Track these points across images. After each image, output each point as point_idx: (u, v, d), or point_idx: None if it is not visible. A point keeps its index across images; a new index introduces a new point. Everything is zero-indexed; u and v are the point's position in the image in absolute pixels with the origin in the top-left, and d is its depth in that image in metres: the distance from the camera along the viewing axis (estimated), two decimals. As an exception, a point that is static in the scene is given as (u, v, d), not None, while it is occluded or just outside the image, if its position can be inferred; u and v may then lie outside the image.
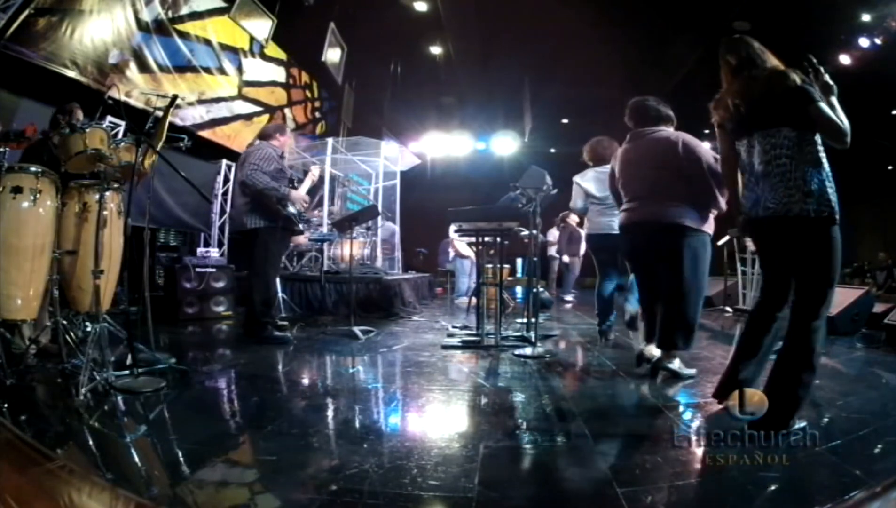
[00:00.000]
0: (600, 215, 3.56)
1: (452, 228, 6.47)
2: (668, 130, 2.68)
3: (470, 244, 5.46)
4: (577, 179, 3.73)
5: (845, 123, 1.72)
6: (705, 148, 2.58)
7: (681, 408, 2.17)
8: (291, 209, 3.61)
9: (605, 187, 3.42)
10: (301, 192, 3.72)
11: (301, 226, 3.68)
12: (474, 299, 5.02)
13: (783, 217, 1.76)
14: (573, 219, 7.66)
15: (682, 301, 2.52)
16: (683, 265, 2.51)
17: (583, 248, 7.77)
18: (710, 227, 2.60)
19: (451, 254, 7.38)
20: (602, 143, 3.68)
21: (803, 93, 1.74)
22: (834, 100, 1.75)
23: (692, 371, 2.58)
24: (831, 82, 1.77)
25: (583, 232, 7.68)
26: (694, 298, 2.54)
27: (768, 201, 1.80)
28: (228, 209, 6.61)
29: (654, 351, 2.69)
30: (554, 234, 8.01)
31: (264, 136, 3.83)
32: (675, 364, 2.55)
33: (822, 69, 1.78)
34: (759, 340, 1.91)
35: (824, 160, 1.75)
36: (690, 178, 2.52)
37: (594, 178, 3.61)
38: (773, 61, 1.90)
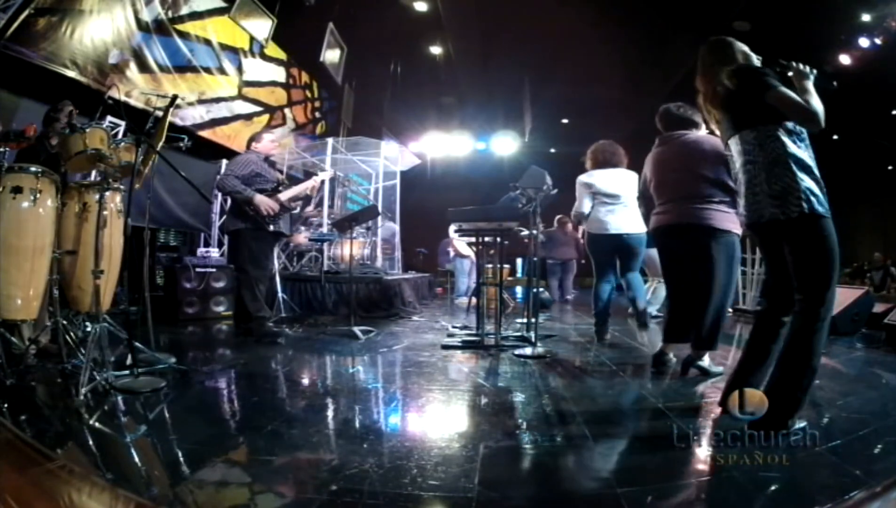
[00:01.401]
0: (605, 215, 3.57)
1: (452, 228, 6.47)
2: (698, 133, 2.70)
3: (470, 244, 5.47)
4: (582, 178, 3.71)
5: (814, 105, 1.65)
6: None
7: (681, 408, 2.16)
8: (261, 213, 3.65)
9: (615, 184, 3.53)
10: (280, 195, 3.76)
11: (273, 227, 3.74)
12: (474, 300, 5.02)
13: (757, 224, 1.78)
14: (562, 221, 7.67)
15: (715, 303, 2.56)
16: (716, 268, 2.54)
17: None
18: (739, 228, 2.60)
19: (452, 254, 7.38)
20: (603, 146, 3.71)
21: (755, 84, 1.70)
22: (809, 84, 1.69)
23: (720, 369, 2.59)
24: (804, 69, 1.71)
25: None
26: (724, 299, 2.59)
27: (743, 207, 1.84)
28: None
29: (671, 353, 2.74)
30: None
31: (247, 144, 4.03)
32: (706, 362, 2.60)
33: (794, 63, 1.73)
34: (767, 346, 1.87)
35: (794, 155, 1.69)
36: (721, 178, 2.55)
37: (605, 176, 3.62)
38: (740, 60, 1.87)
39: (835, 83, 1.76)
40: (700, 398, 2.25)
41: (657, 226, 2.77)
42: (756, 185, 1.75)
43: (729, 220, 2.54)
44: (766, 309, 1.93)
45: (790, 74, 1.75)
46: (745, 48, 1.91)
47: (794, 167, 1.68)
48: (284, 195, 3.80)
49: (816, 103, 1.66)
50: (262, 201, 3.63)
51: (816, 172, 1.71)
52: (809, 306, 1.69)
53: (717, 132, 2.05)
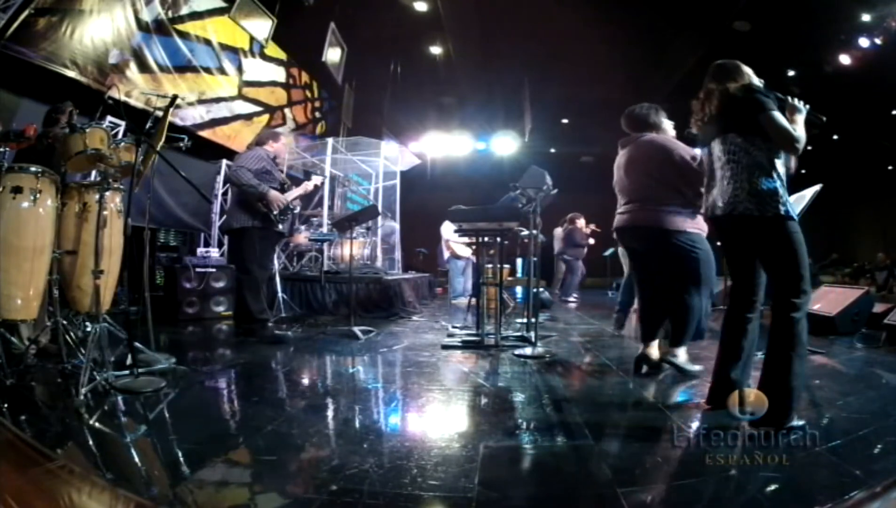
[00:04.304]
0: None
1: (450, 228, 6.46)
2: (651, 135, 2.75)
3: (469, 244, 5.46)
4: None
5: (797, 134, 1.83)
6: (678, 146, 2.66)
7: (681, 408, 2.17)
8: (274, 210, 3.63)
9: None
10: (286, 195, 3.75)
11: (281, 227, 3.75)
12: (473, 300, 5.02)
13: (729, 215, 1.90)
14: (581, 222, 7.67)
15: (677, 299, 2.58)
16: (675, 266, 2.59)
17: (585, 250, 7.80)
18: (697, 225, 2.62)
19: (447, 255, 7.26)
20: None
21: (753, 103, 1.86)
22: (799, 118, 1.89)
23: (699, 368, 2.58)
24: (798, 105, 1.90)
25: (588, 232, 7.73)
26: (687, 295, 2.57)
27: (719, 200, 1.96)
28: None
29: (654, 353, 2.72)
30: (557, 232, 7.99)
31: (259, 142, 4.00)
32: (680, 359, 2.59)
33: (789, 98, 1.91)
34: (738, 343, 1.97)
35: (776, 166, 1.87)
36: (668, 179, 2.61)
37: None
38: (744, 80, 2.01)
39: (823, 118, 1.99)
40: (700, 397, 2.25)
41: (616, 226, 2.86)
42: (737, 182, 1.89)
43: (681, 220, 2.58)
44: (731, 308, 2.03)
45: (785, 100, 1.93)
46: (751, 72, 2.07)
47: (775, 175, 1.86)
48: (289, 196, 3.79)
49: (800, 133, 1.86)
50: (275, 197, 3.60)
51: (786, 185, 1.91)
52: (785, 296, 1.78)
53: (698, 132, 2.15)
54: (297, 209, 4.26)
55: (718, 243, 2.19)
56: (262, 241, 3.70)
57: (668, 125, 2.80)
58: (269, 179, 3.68)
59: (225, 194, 6.73)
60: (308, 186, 4.22)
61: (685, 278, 2.58)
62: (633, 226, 2.72)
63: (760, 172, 1.85)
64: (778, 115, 1.83)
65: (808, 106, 1.91)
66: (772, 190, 1.82)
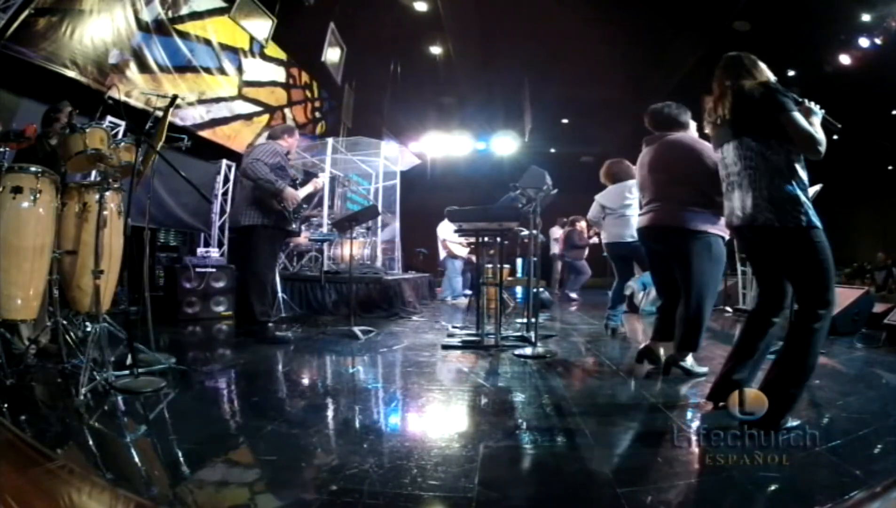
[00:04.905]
0: (613, 226, 3.94)
1: (442, 227, 6.45)
2: (678, 134, 2.72)
3: (468, 244, 5.46)
4: (597, 197, 4.13)
5: (819, 135, 1.77)
6: (706, 148, 2.60)
7: (681, 408, 2.16)
8: (289, 207, 3.60)
9: (617, 200, 3.94)
10: (298, 193, 3.71)
11: (295, 226, 3.70)
12: (462, 299, 5.03)
13: (750, 226, 1.84)
14: (582, 223, 7.69)
15: (692, 304, 2.55)
16: (690, 268, 2.55)
17: (586, 251, 7.82)
18: (718, 228, 2.57)
19: (443, 254, 7.22)
20: (616, 164, 4.05)
21: (773, 103, 1.79)
22: (815, 120, 1.81)
23: (704, 370, 2.59)
24: (813, 107, 1.82)
25: (588, 235, 7.76)
26: (699, 300, 2.55)
27: (738, 209, 1.89)
28: (228, 209, 6.61)
29: (659, 350, 2.74)
30: (556, 232, 8.00)
31: (273, 136, 3.94)
32: (688, 362, 2.59)
33: (805, 100, 1.84)
34: (755, 343, 1.94)
35: (796, 171, 1.79)
36: (693, 180, 2.56)
37: (609, 191, 4.02)
38: (761, 77, 1.92)
39: (839, 125, 1.91)
40: (700, 397, 2.25)
41: (639, 227, 2.85)
42: (755, 190, 1.81)
43: (703, 221, 2.53)
44: (757, 309, 1.99)
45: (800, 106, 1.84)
46: (765, 67, 1.97)
47: (794, 181, 1.78)
48: (299, 192, 3.74)
49: (821, 135, 1.79)
50: (291, 194, 3.54)
51: (809, 191, 1.83)
52: (808, 306, 1.73)
53: (711, 134, 2.08)
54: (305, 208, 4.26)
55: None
56: (271, 241, 3.62)
57: (692, 125, 2.78)
58: (282, 174, 3.61)
59: (225, 193, 6.74)
60: (318, 183, 4.21)
61: (696, 283, 2.54)
62: (654, 225, 2.68)
63: (780, 177, 1.77)
64: (799, 116, 1.76)
65: (823, 110, 1.84)
66: (792, 197, 1.74)
